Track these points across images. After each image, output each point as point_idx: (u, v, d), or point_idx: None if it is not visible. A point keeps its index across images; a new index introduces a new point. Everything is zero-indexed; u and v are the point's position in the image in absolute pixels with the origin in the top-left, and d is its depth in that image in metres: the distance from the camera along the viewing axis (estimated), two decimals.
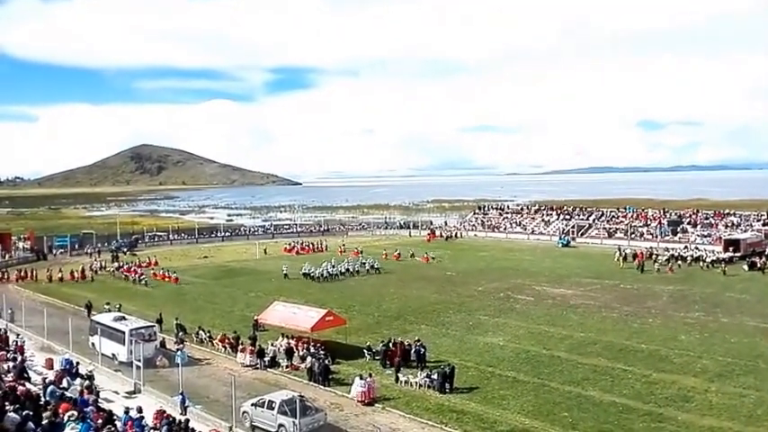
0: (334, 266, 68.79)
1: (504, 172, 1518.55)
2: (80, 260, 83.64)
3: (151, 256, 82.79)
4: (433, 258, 79.60)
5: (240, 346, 38.27)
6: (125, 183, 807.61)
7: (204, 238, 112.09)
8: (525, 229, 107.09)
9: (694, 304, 50.38)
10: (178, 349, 36.97)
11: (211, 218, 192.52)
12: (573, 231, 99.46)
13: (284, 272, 68.62)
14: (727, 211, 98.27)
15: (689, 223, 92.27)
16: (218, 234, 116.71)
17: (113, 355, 36.76)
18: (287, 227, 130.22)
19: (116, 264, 77.68)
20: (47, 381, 25.51)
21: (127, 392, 30.50)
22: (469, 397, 30.84)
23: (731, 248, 74.43)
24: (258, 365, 36.46)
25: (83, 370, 30.57)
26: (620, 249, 75.66)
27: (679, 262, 69.89)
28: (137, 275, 68.42)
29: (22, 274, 70.98)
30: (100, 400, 25.02)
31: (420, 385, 32.16)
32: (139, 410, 23.33)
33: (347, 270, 69.11)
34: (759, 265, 65.95)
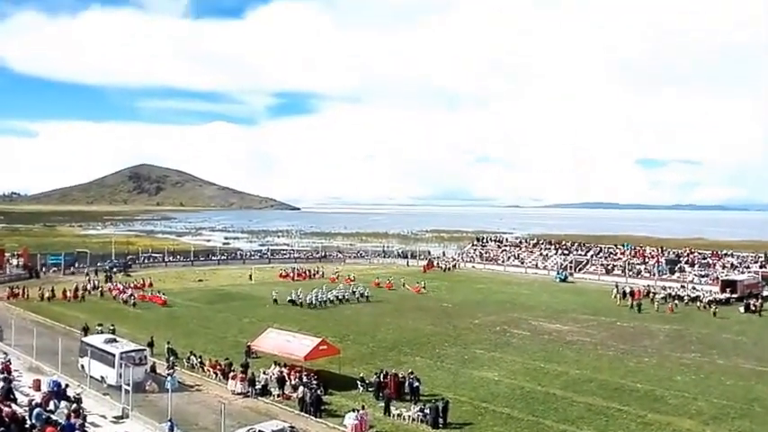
0: (324, 293, 68.66)
1: (504, 204, 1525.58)
2: (73, 279, 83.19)
3: (145, 278, 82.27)
4: (424, 288, 79.42)
5: (231, 373, 37.71)
6: (122, 202, 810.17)
7: (200, 261, 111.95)
8: (523, 263, 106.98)
9: (690, 345, 49.99)
10: (168, 374, 36.33)
11: (208, 240, 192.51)
12: (571, 266, 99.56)
13: (274, 297, 68.40)
14: (725, 251, 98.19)
15: (686, 262, 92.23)
16: (214, 257, 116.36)
17: (102, 377, 36.19)
18: (284, 252, 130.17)
19: (109, 284, 77.31)
20: (33, 403, 25.08)
21: (114, 417, 29.85)
22: None
23: (728, 289, 74.11)
24: (249, 393, 35.85)
25: (71, 392, 29.93)
26: (617, 286, 75.43)
27: (676, 301, 69.40)
28: (126, 295, 68.33)
29: (14, 291, 70.40)
30: (87, 425, 24.60)
31: (413, 419, 31.63)
32: None
33: (336, 297, 68.99)
34: (755, 308, 65.45)
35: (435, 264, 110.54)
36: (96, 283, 77.98)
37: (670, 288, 77.07)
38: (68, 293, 69.60)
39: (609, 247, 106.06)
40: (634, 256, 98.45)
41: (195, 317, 60.15)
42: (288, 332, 43.26)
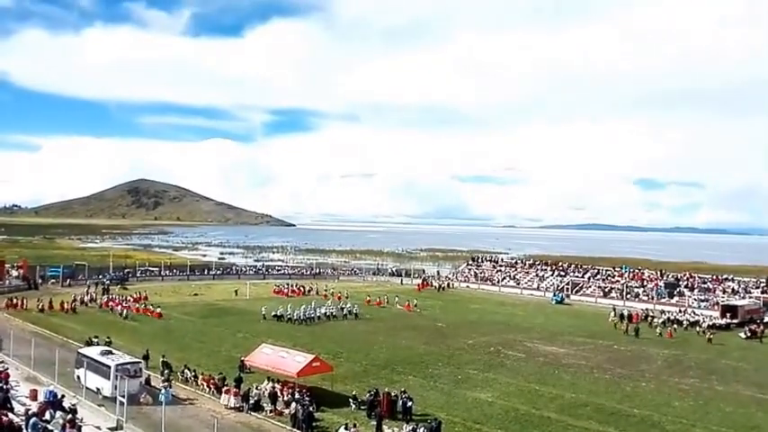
0: (315, 309, 69.07)
1: (500, 224, 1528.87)
2: (71, 291, 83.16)
3: (141, 291, 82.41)
4: (415, 306, 79.70)
5: (225, 388, 37.69)
6: (121, 216, 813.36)
7: (195, 275, 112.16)
8: (519, 284, 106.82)
9: (689, 370, 49.60)
10: (163, 387, 36.44)
11: (204, 255, 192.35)
12: (567, 288, 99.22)
13: (263, 313, 68.66)
14: (725, 275, 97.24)
15: (686, 286, 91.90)
16: (210, 272, 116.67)
17: (98, 389, 36.33)
18: (278, 268, 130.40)
19: (106, 297, 77.53)
20: (30, 412, 25.19)
21: (109, 428, 29.89)
22: None
23: (728, 315, 73.63)
24: (242, 408, 35.83)
25: (67, 403, 30.00)
26: (614, 309, 75.36)
27: (675, 325, 68.64)
28: (121, 308, 68.72)
29: (13, 302, 70.73)
30: None
31: None
32: None
33: (324, 314, 69.38)
34: (757, 333, 65.12)
35: (430, 283, 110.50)
36: (94, 295, 78.31)
37: (669, 312, 76.24)
38: (66, 305, 69.79)
39: (607, 270, 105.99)
40: (632, 279, 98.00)
41: (190, 330, 60.29)
42: (281, 348, 43.16)
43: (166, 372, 40.75)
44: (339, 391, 39.12)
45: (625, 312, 73.91)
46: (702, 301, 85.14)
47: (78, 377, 37.93)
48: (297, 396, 35.75)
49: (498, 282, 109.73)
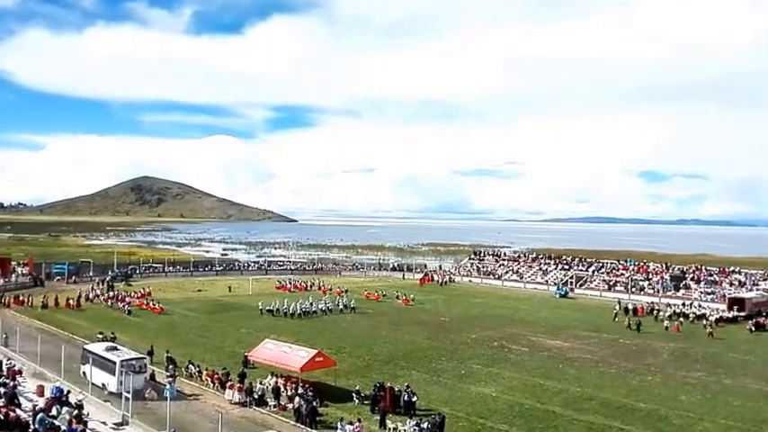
0: (308, 304, 69.68)
1: (502, 217, 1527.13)
2: (77, 288, 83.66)
3: (146, 287, 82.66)
4: (413, 300, 79.97)
5: (229, 383, 37.87)
6: (125, 213, 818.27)
7: (199, 271, 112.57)
8: (522, 278, 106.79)
9: (696, 363, 49.27)
10: (168, 382, 36.69)
11: (207, 251, 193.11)
12: (571, 282, 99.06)
13: (260, 308, 69.02)
14: (732, 268, 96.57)
15: (692, 279, 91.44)
16: (213, 268, 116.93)
17: (103, 384, 36.61)
18: (281, 264, 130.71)
19: (111, 293, 78.01)
20: (37, 408, 25.49)
21: (115, 424, 30.12)
22: None
23: (735, 307, 73.08)
24: (246, 403, 36.00)
25: (73, 399, 30.34)
26: (619, 303, 75.24)
27: (681, 319, 68.18)
28: (123, 304, 69.36)
29: (20, 299, 71.33)
30: (87, 431, 24.83)
31: None
32: None
33: (320, 309, 69.99)
34: (765, 326, 64.81)
35: (432, 277, 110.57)
36: (99, 292, 78.93)
37: (675, 305, 76.15)
38: (72, 302, 70.34)
39: (611, 263, 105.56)
40: (637, 272, 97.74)
41: (194, 326, 60.49)
42: (284, 343, 43.36)
43: (171, 367, 41.05)
44: (342, 385, 39.25)
45: (630, 306, 73.84)
46: (709, 293, 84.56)
47: (84, 373, 38.20)
48: (300, 391, 35.77)
49: (501, 276, 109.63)
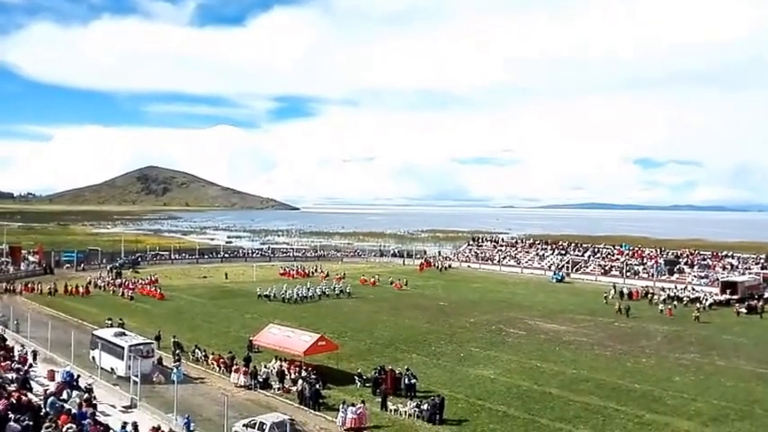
0: (308, 289, 71.25)
1: (499, 204, 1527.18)
2: (85, 275, 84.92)
3: (152, 274, 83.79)
4: (406, 285, 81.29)
5: (234, 367, 38.71)
6: (131, 202, 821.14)
7: (204, 258, 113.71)
8: (519, 263, 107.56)
9: (689, 346, 49.98)
10: (174, 366, 37.44)
11: (212, 239, 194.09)
12: (567, 267, 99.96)
13: (258, 293, 70.48)
14: (725, 252, 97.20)
15: (686, 263, 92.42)
16: (218, 255, 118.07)
17: (112, 369, 37.56)
18: (284, 251, 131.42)
19: (119, 280, 79.19)
20: (48, 392, 25.96)
21: (124, 407, 30.94)
22: (459, 429, 30.82)
23: (728, 291, 73.85)
24: (251, 386, 36.84)
25: (83, 383, 30.99)
26: (614, 287, 76.07)
27: (675, 302, 69.18)
28: (128, 290, 70.93)
29: (30, 286, 72.70)
30: (97, 414, 25.43)
31: (409, 415, 32.29)
32: (135, 426, 23.86)
33: (316, 294, 71.54)
34: (756, 309, 65.59)
35: (431, 263, 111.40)
36: (107, 279, 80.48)
37: (669, 289, 76.96)
38: (81, 289, 71.64)
39: (606, 248, 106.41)
40: (632, 257, 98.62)
41: (200, 312, 61.54)
42: (288, 328, 44.08)
43: (178, 352, 41.99)
44: (344, 368, 40.05)
45: (625, 290, 74.66)
46: (702, 277, 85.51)
47: (93, 358, 39.13)
48: (304, 374, 36.67)
49: (499, 261, 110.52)
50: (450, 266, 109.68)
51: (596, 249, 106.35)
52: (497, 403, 34.59)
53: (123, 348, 37.24)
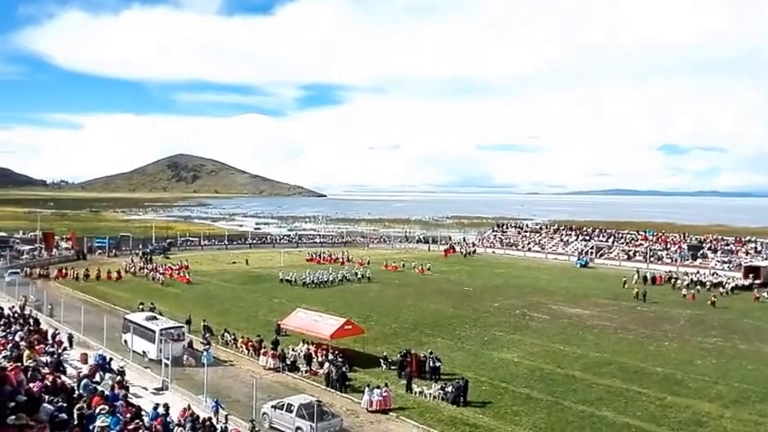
0: (322, 274, 72.09)
1: (523, 191, 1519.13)
2: (117, 261, 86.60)
3: (183, 260, 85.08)
4: (428, 270, 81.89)
5: (263, 350, 39.59)
6: (161, 189, 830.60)
7: (233, 244, 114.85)
8: (543, 249, 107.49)
9: (711, 329, 50.15)
10: (204, 350, 38.35)
11: (240, 225, 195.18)
12: (592, 252, 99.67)
13: (281, 277, 71.42)
14: (748, 237, 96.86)
15: (709, 249, 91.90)
16: (247, 241, 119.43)
17: (144, 352, 38.50)
18: (311, 237, 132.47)
19: (150, 266, 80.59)
20: (81, 374, 26.70)
21: (155, 389, 31.75)
22: (482, 411, 31.24)
23: (751, 275, 73.84)
24: (279, 369, 37.63)
25: (115, 365, 31.68)
26: (638, 272, 75.91)
27: (698, 287, 69.27)
28: (158, 275, 72.68)
29: (63, 272, 74.12)
30: (129, 395, 26.08)
31: (434, 397, 32.81)
32: (166, 407, 24.65)
33: (337, 279, 72.26)
34: None
35: (456, 249, 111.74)
36: (142, 264, 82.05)
37: (692, 274, 76.87)
38: (113, 274, 72.99)
39: (631, 234, 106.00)
40: (656, 243, 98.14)
41: (229, 296, 62.57)
42: (315, 312, 44.89)
43: (207, 335, 42.84)
44: (370, 352, 40.60)
45: (648, 275, 74.52)
46: (726, 263, 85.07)
47: (125, 341, 40.19)
48: (330, 357, 37.39)
49: (523, 247, 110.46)
50: (474, 252, 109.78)
51: (620, 235, 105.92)
52: (521, 386, 35.00)
53: (155, 332, 38.20)
